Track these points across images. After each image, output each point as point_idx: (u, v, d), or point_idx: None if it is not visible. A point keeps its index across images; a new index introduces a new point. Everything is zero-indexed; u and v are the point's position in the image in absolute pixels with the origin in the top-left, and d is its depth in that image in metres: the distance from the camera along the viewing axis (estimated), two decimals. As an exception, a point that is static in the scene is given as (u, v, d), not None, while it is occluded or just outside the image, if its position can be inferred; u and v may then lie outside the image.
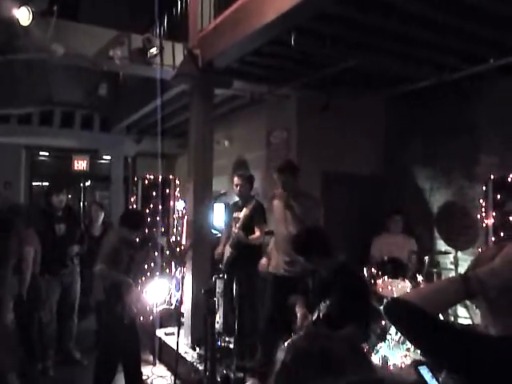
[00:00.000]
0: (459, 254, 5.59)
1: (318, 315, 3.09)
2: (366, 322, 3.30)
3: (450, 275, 5.60)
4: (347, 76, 5.35)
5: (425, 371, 1.59)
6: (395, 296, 1.48)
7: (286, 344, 1.09)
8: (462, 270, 5.52)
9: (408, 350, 4.74)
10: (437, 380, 1.98)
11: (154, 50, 4.97)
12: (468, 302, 1.67)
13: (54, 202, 5.25)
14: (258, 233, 4.93)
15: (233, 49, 4.61)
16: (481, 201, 5.13)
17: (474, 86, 5.49)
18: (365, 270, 5.27)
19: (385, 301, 4.91)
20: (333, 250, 3.38)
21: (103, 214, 6.11)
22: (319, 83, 5.54)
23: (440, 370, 1.41)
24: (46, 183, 9.70)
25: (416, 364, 1.61)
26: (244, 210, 4.97)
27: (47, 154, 10.00)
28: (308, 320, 3.30)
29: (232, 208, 5.28)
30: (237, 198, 5.25)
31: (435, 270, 5.53)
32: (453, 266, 5.56)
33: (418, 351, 4.64)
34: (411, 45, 4.42)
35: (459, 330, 1.37)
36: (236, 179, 5.12)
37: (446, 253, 5.70)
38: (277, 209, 4.61)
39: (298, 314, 3.46)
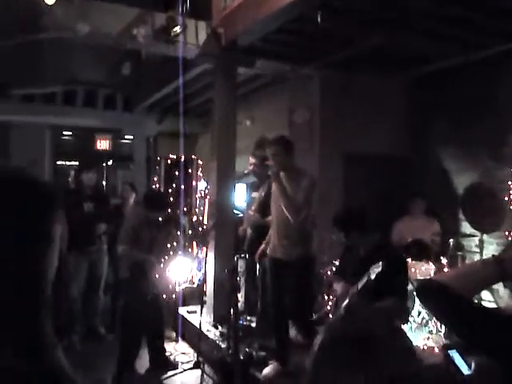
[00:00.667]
0: (485, 236, 5.51)
1: (358, 289, 3.05)
2: (404, 297, 3.31)
3: (475, 258, 5.53)
4: (371, 55, 5.25)
5: (455, 355, 1.58)
6: (427, 277, 1.46)
7: (324, 326, 1.08)
8: (487, 253, 5.44)
9: (430, 332, 4.72)
10: (467, 363, 1.96)
11: (177, 29, 4.93)
12: (493, 286, 1.64)
13: (84, 179, 5.34)
14: None
15: (257, 26, 4.54)
16: (509, 183, 5.02)
17: (502, 64, 5.33)
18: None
19: (416, 282, 4.88)
20: (371, 227, 3.43)
21: (134, 194, 6.18)
22: (342, 63, 5.45)
23: (471, 351, 1.40)
24: (70, 162, 9.83)
25: (446, 348, 1.60)
26: (260, 190, 4.94)
27: (70, 133, 10.09)
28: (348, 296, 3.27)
29: (251, 188, 5.26)
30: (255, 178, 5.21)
31: (460, 253, 5.45)
32: (478, 249, 5.48)
33: (441, 333, 4.63)
34: (437, 21, 4.30)
35: (492, 312, 1.35)
36: (251, 159, 5.07)
37: (471, 236, 5.61)
38: (273, 190, 4.31)
39: (338, 289, 3.41)
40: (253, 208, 4.92)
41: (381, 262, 2.94)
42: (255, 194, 5.04)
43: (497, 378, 1.27)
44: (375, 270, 2.96)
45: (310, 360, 1.02)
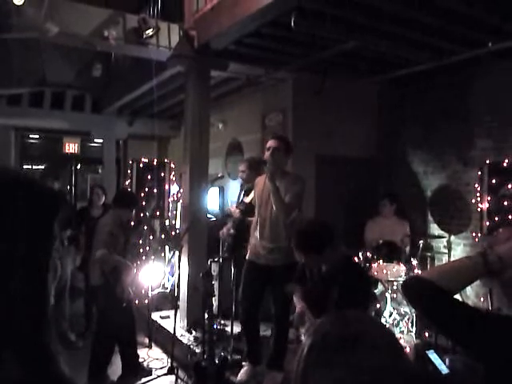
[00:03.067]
0: (452, 237, 5.66)
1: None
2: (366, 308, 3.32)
3: (444, 259, 5.67)
4: (343, 59, 5.32)
5: (433, 355, 1.62)
6: (414, 275, 1.49)
7: (311, 329, 1.08)
8: (455, 253, 5.59)
9: (402, 332, 4.81)
10: (444, 362, 2.03)
11: (149, 31, 4.88)
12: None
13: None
14: None
15: (230, 30, 4.54)
16: (476, 185, 5.17)
17: (470, 70, 5.50)
18: (360, 253, 5.30)
19: (388, 283, 4.97)
20: (333, 245, 3.18)
21: (104, 197, 6.08)
22: (315, 66, 5.51)
23: (454, 347, 1.44)
24: (37, 166, 9.59)
25: (423, 349, 1.64)
26: (251, 195, 4.92)
27: (37, 136, 9.85)
28: (308, 314, 3.24)
29: (244, 193, 5.15)
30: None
31: (429, 254, 5.58)
32: (446, 250, 5.62)
33: (412, 334, 4.72)
34: (409, 28, 4.39)
35: (476, 309, 1.39)
36: (241, 166, 5.04)
37: (439, 237, 5.75)
38: (259, 190, 4.17)
39: (297, 307, 3.34)
40: (237, 210, 4.85)
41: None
42: (247, 199, 4.95)
43: (476, 376, 1.30)
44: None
45: (301, 362, 1.01)
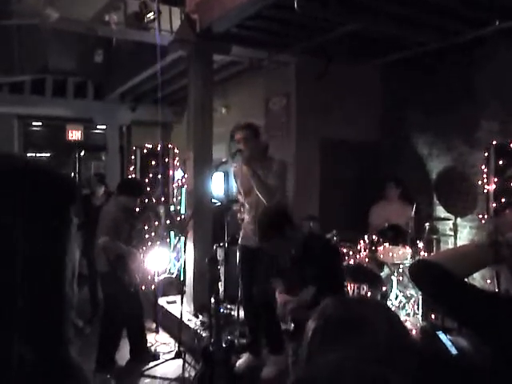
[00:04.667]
0: (458, 220, 5.63)
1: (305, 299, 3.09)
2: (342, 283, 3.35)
3: (450, 241, 5.65)
4: (346, 42, 5.25)
5: (442, 336, 1.62)
6: (421, 258, 1.48)
7: (315, 313, 1.08)
8: (461, 236, 5.57)
9: (408, 315, 4.83)
10: (453, 344, 2.03)
11: (150, 15, 4.83)
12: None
13: None
14: None
15: (232, 13, 4.48)
16: (482, 167, 5.13)
17: (475, 50, 5.41)
18: (365, 237, 5.29)
19: (394, 266, 4.97)
20: (293, 226, 3.27)
21: (104, 186, 6.09)
22: (318, 49, 5.44)
23: (460, 328, 1.43)
24: (41, 154, 9.58)
25: (433, 330, 1.63)
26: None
27: (40, 123, 9.82)
28: (290, 303, 3.28)
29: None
30: None
31: (435, 237, 5.56)
32: (452, 233, 5.60)
33: (419, 316, 4.73)
34: (413, 8, 4.31)
35: (484, 291, 1.37)
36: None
37: (445, 219, 5.73)
38: (240, 178, 4.23)
39: (279, 300, 3.38)
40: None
41: (311, 287, 2.97)
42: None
43: (483, 357, 1.29)
44: (309, 293, 3.00)
45: (305, 346, 1.01)
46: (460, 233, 5.58)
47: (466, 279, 1.33)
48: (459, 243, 5.37)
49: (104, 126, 9.50)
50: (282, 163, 4.13)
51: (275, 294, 3.45)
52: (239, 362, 4.23)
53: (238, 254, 4.38)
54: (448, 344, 1.54)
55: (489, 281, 5.00)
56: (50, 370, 0.70)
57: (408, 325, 4.65)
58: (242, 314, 4.74)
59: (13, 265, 0.68)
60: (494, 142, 5.02)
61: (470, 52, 5.44)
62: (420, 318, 4.72)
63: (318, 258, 3.15)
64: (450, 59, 5.67)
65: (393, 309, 4.87)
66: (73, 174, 9.71)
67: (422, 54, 5.45)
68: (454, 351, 1.61)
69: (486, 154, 5.05)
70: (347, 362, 0.88)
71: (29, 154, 9.48)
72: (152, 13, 4.87)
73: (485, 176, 5.08)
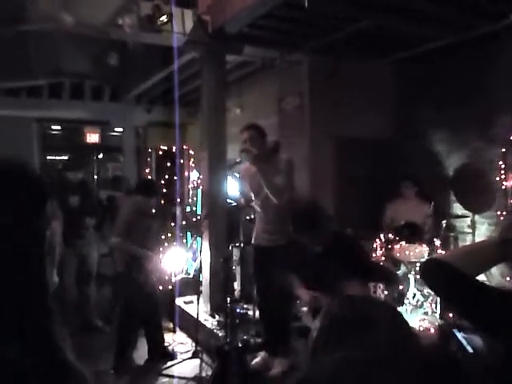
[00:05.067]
0: (476, 217, 5.55)
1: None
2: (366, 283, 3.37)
3: (468, 239, 5.58)
4: (358, 39, 5.23)
5: (459, 334, 1.60)
6: (432, 257, 1.47)
7: (322, 311, 1.08)
8: (479, 233, 5.49)
9: (426, 313, 4.78)
10: (469, 343, 2.01)
11: (163, 18, 4.86)
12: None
13: (69, 176, 5.34)
14: None
15: (244, 13, 4.50)
16: (500, 163, 5.05)
17: (489, 44, 5.33)
18: (381, 235, 5.26)
19: (410, 264, 4.93)
20: (327, 221, 3.35)
21: (125, 185, 6.22)
22: (331, 47, 5.43)
23: (475, 330, 1.41)
24: (60, 157, 9.73)
25: (449, 328, 1.62)
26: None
27: (59, 127, 9.97)
28: (320, 300, 3.26)
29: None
30: None
31: (452, 234, 5.49)
32: (470, 230, 5.53)
33: (436, 315, 4.68)
34: (424, 2, 4.27)
35: (497, 290, 1.35)
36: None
37: (462, 216, 5.65)
38: (248, 179, 4.25)
39: (303, 297, 3.38)
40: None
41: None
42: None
43: (499, 356, 1.28)
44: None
45: (310, 345, 1.02)
46: (478, 230, 5.50)
47: (483, 276, 1.31)
48: (477, 240, 5.30)
49: (121, 128, 9.60)
50: (289, 161, 4.14)
51: (288, 295, 3.47)
52: (255, 361, 4.24)
53: (252, 254, 4.38)
54: (464, 342, 1.52)
55: (508, 278, 4.93)
56: (46, 372, 0.71)
57: (425, 323, 4.61)
58: (257, 313, 4.76)
59: None
60: (511, 138, 4.94)
61: (484, 46, 5.36)
62: (437, 317, 4.67)
63: (344, 257, 3.16)
64: (463, 54, 5.60)
65: (410, 308, 4.84)
66: (91, 175, 9.85)
67: (435, 50, 5.39)
68: (470, 350, 1.60)
69: (503, 150, 4.98)
70: (349, 364, 0.89)
71: (48, 157, 9.64)
72: (165, 15, 4.90)
73: (502, 172, 5.00)
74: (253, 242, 4.34)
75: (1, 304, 0.70)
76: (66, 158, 9.97)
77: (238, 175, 5.74)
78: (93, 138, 9.66)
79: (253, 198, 4.29)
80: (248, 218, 4.85)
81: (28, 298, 0.74)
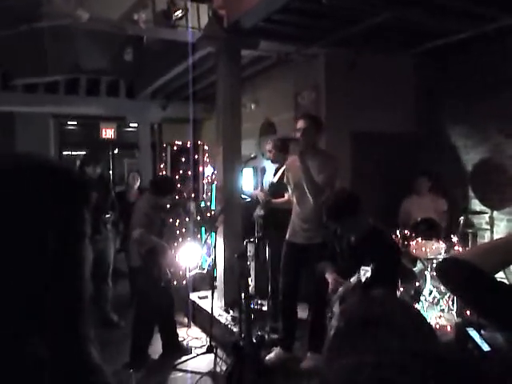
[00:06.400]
0: (495, 213, 5.46)
1: (360, 279, 3.06)
2: (397, 282, 3.34)
3: (486, 235, 5.49)
4: (376, 32, 5.13)
5: (473, 332, 1.57)
6: (449, 256, 1.43)
7: (339, 311, 1.06)
8: (497, 229, 5.40)
9: (442, 311, 4.72)
10: (484, 340, 1.98)
11: (178, 13, 4.86)
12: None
13: (88, 171, 5.36)
14: (286, 197, 4.82)
15: (260, 7, 4.45)
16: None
17: (509, 37, 5.22)
18: (397, 231, 5.20)
19: (427, 261, 4.86)
20: (362, 212, 3.35)
21: (139, 181, 6.26)
22: (348, 41, 5.35)
23: (496, 330, 1.38)
24: (76, 152, 9.83)
25: (464, 326, 1.59)
26: (278, 174, 4.92)
27: (75, 122, 10.07)
28: (342, 285, 3.28)
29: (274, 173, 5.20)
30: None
31: (470, 231, 5.41)
32: (488, 226, 5.44)
33: (453, 312, 4.62)
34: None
35: None
36: (268, 146, 5.08)
37: (481, 213, 5.56)
38: (292, 170, 4.18)
39: (330, 281, 3.44)
40: (265, 191, 4.90)
41: (369, 268, 2.94)
42: (275, 179, 4.98)
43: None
44: (366, 274, 2.95)
45: (326, 346, 1.00)
46: (497, 226, 5.42)
47: (502, 274, 1.28)
48: (496, 237, 5.21)
49: (136, 124, 9.65)
50: (334, 159, 4.09)
51: (324, 294, 3.47)
52: (270, 356, 4.24)
53: (284, 249, 4.32)
54: (479, 341, 1.49)
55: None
56: (69, 368, 0.71)
57: (442, 321, 4.55)
58: (272, 309, 4.75)
59: (33, 261, 0.69)
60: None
61: (506, 40, 5.25)
62: (455, 314, 4.61)
63: (377, 251, 3.13)
64: (485, 47, 5.48)
65: (426, 305, 4.78)
66: (107, 171, 9.93)
67: (457, 42, 5.29)
68: (486, 348, 1.56)
69: (524, 145, 4.88)
70: (362, 368, 0.86)
71: (64, 153, 9.75)
72: (180, 10, 4.90)
73: (523, 167, 4.91)
74: (287, 237, 4.26)
75: (40, 299, 0.69)
76: (82, 153, 10.08)
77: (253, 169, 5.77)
78: (108, 133, 9.74)
79: (289, 192, 4.28)
80: (261, 213, 4.83)
81: (64, 295, 0.74)
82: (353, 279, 3.12)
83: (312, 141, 3.99)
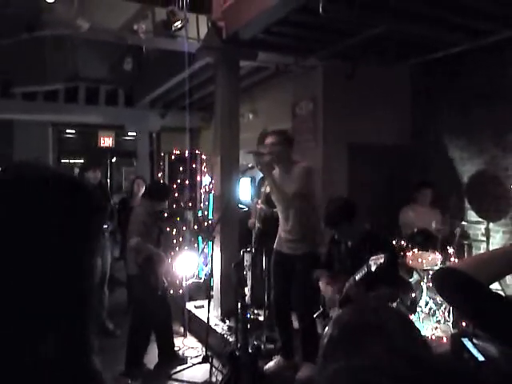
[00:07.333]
0: (491, 225, 5.49)
1: (356, 281, 3.10)
2: (395, 285, 3.38)
3: (482, 247, 5.51)
4: (374, 44, 5.19)
5: (468, 343, 1.58)
6: (445, 266, 1.45)
7: (332, 318, 1.07)
8: (493, 241, 5.43)
9: (438, 322, 4.72)
10: (479, 351, 1.99)
11: (178, 23, 4.90)
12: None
13: (89, 177, 5.36)
14: None
15: (258, 19, 4.50)
16: (515, 170, 4.99)
17: (507, 50, 5.28)
18: (394, 242, 5.21)
19: (424, 272, 4.88)
20: (359, 218, 3.45)
21: (144, 188, 6.25)
22: (345, 53, 5.41)
23: (493, 340, 1.39)
24: (74, 160, 9.86)
25: (459, 336, 1.60)
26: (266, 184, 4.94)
27: (73, 131, 10.09)
28: (341, 292, 3.31)
29: (260, 182, 5.26)
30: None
31: (466, 242, 5.43)
32: (484, 238, 5.46)
33: (449, 323, 4.62)
34: (440, 8, 4.24)
35: (509, 299, 1.33)
36: (268, 139, 5.08)
37: (477, 223, 5.59)
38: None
39: (324, 289, 3.50)
40: (260, 201, 4.92)
41: (382, 254, 2.96)
42: (264, 189, 5.01)
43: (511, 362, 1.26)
44: (377, 262, 2.97)
45: (320, 353, 1.01)
46: (493, 238, 5.44)
47: (498, 285, 1.29)
48: (491, 248, 5.23)
49: (134, 133, 9.68)
50: (306, 169, 4.09)
51: (314, 302, 3.52)
52: (269, 365, 4.23)
53: (272, 257, 4.36)
54: (474, 351, 1.49)
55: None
56: (71, 373, 0.72)
57: (438, 332, 4.55)
58: (269, 318, 4.75)
59: (46, 269, 0.71)
60: (528, 145, 4.88)
61: (503, 52, 5.31)
62: (451, 326, 4.61)
63: (376, 251, 3.14)
64: (481, 59, 5.55)
65: (423, 316, 4.78)
66: (105, 179, 9.93)
67: (453, 55, 5.35)
68: (481, 358, 1.56)
69: (520, 157, 4.92)
70: (353, 373, 0.87)
71: (62, 160, 9.76)
72: (179, 21, 4.93)
73: (518, 180, 4.94)
74: (275, 246, 4.32)
75: (51, 302, 0.71)
76: (80, 161, 10.11)
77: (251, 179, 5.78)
78: (107, 141, 9.76)
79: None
80: (257, 225, 4.86)
81: (75, 301, 0.76)
82: (357, 276, 3.13)
83: (281, 155, 4.05)
